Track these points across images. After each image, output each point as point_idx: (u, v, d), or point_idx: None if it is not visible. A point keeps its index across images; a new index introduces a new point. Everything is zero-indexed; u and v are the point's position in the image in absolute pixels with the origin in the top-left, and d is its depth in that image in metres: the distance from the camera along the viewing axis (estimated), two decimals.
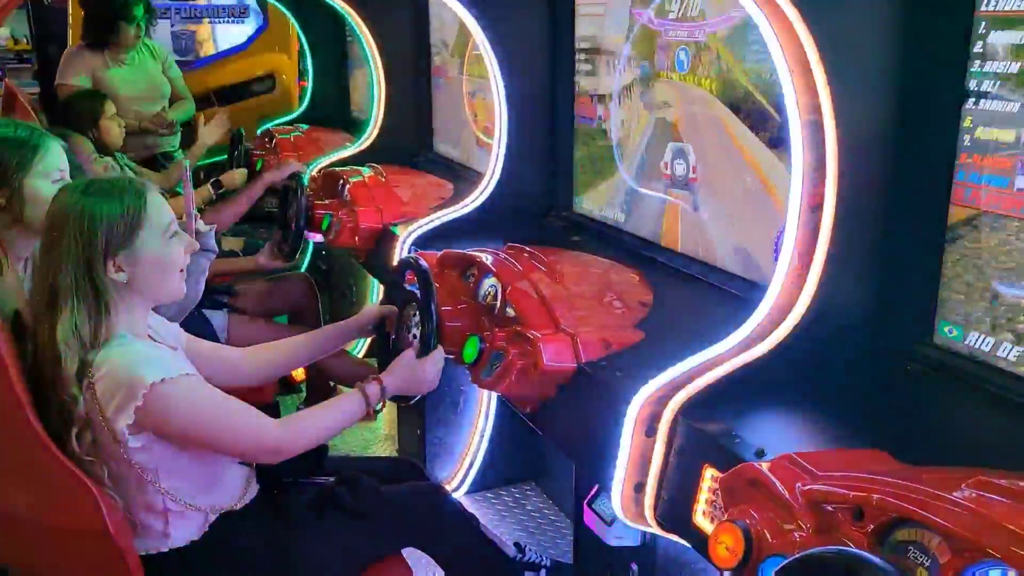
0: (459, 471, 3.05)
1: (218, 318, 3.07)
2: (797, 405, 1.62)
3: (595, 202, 2.67)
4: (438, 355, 1.93)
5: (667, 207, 2.31)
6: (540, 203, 2.84)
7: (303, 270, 4.31)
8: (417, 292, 2.03)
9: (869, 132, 1.55)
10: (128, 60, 4.45)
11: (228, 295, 3.25)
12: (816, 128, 1.53)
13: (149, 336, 1.83)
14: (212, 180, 4.13)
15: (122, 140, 4.01)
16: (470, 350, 1.93)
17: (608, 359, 1.82)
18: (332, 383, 3.55)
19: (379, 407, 1.89)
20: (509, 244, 2.35)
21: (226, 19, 7.00)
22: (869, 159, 1.56)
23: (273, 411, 3.26)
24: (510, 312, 2.01)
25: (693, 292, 2.15)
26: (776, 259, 1.95)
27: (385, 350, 2.13)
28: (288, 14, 5.23)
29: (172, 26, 6.76)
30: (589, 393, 1.78)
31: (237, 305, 3.24)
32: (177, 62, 5.03)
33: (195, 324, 3.10)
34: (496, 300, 2.10)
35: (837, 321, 1.62)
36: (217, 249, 2.56)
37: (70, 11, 6.36)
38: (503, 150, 2.74)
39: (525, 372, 1.82)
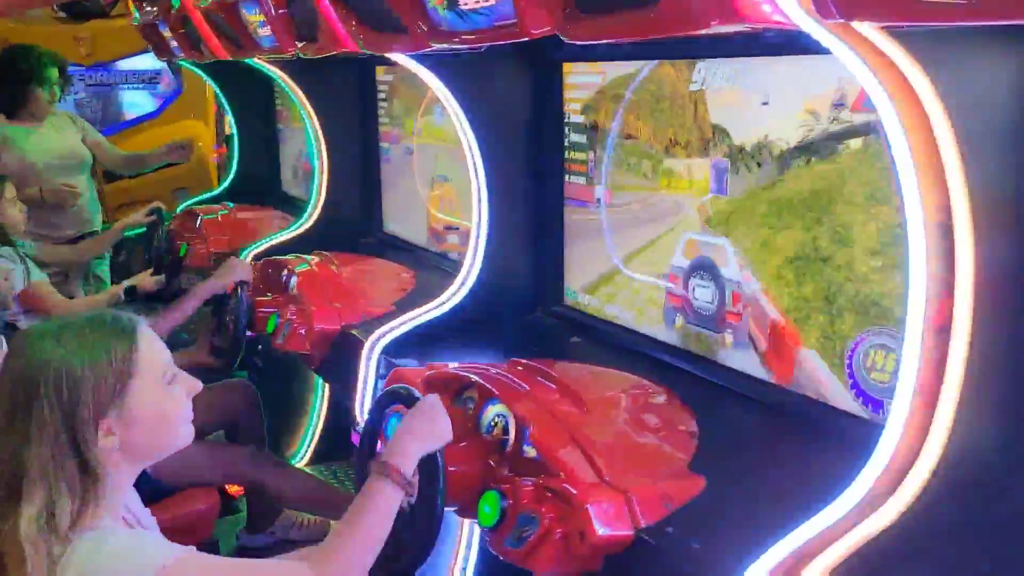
0: None
1: None
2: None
3: (591, 294, 2.32)
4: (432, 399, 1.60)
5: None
6: (527, 297, 2.46)
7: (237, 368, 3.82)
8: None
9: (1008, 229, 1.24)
10: (45, 125, 3.99)
11: None
12: (946, 233, 1.21)
13: (123, 519, 1.40)
14: (125, 287, 3.64)
15: (24, 225, 3.52)
16: (489, 510, 1.52)
17: (669, 521, 1.44)
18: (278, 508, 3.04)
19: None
20: (511, 359, 1.96)
21: (136, 85, 6.54)
22: (1010, 266, 1.24)
23: (213, 549, 2.76)
24: (529, 454, 1.61)
25: (739, 412, 1.79)
26: (851, 375, 1.64)
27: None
28: (207, 78, 4.79)
29: (76, 94, 6.28)
30: (651, 571, 1.39)
31: None
32: None
33: None
34: (506, 434, 1.70)
35: (975, 472, 1.28)
36: None
37: None
38: (484, 239, 2.37)
39: (567, 542, 1.42)
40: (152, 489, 2.56)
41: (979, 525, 1.30)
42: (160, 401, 1.35)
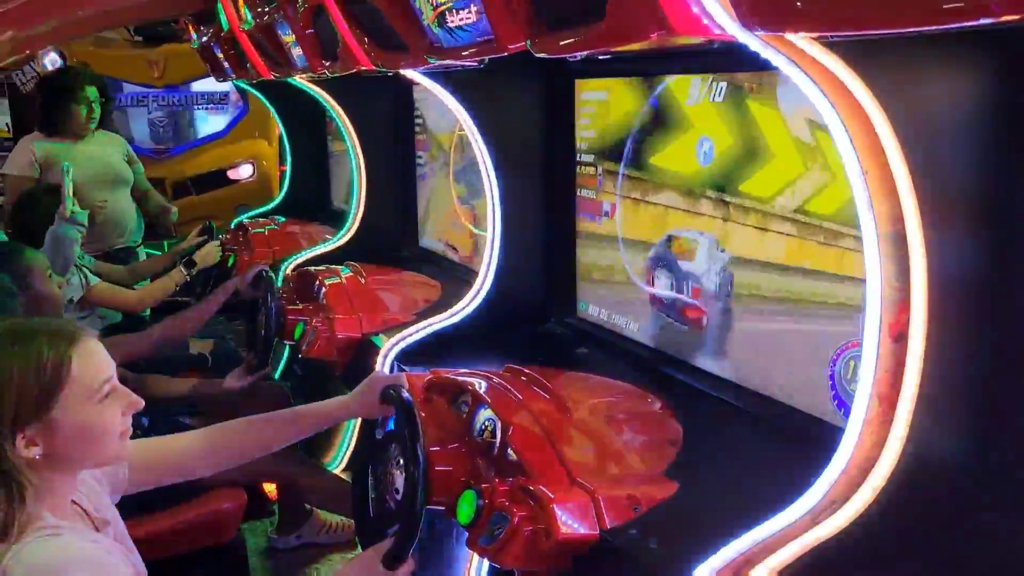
0: None
1: None
2: None
3: (602, 307, 2.35)
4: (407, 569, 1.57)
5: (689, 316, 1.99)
6: (539, 308, 2.51)
7: (277, 375, 3.96)
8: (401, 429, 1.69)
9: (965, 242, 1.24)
10: (87, 142, 4.18)
11: (190, 416, 2.88)
12: (899, 242, 1.21)
13: (75, 504, 1.46)
14: (184, 259, 3.79)
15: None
16: (466, 508, 1.57)
17: (636, 523, 1.46)
18: (308, 506, 3.15)
19: None
20: (507, 366, 2.00)
21: (205, 106, 6.81)
22: (964, 273, 1.24)
23: (239, 549, 2.84)
24: (512, 456, 1.66)
25: (728, 423, 1.81)
26: (833, 388, 1.65)
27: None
28: (263, 100, 4.98)
29: (148, 114, 6.57)
30: (617, 572, 1.42)
31: (199, 427, 2.87)
32: (154, 150, 4.76)
33: None
34: (494, 438, 1.75)
35: (931, 482, 1.28)
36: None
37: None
38: (497, 251, 2.42)
39: (534, 540, 1.46)
40: (179, 487, 2.68)
41: (943, 538, 1.29)
42: (88, 416, 1.33)
